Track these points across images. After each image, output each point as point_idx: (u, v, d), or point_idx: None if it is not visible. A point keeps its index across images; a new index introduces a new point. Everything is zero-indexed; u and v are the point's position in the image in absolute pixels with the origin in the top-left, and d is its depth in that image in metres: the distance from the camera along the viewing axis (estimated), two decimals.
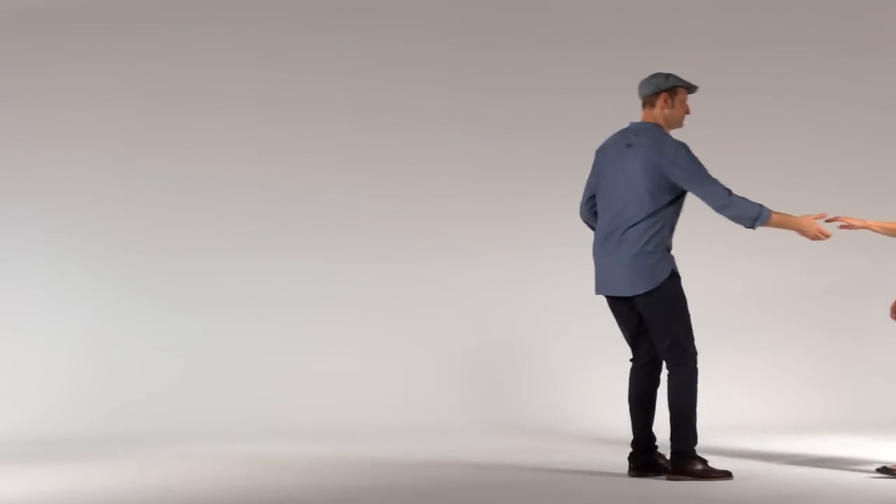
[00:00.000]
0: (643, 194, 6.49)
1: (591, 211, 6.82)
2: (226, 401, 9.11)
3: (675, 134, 6.67)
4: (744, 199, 6.47)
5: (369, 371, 9.31)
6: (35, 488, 6.50)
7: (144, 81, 9.46)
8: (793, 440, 7.89)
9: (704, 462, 6.51)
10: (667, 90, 6.62)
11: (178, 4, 9.55)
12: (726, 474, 6.49)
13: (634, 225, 6.50)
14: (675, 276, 6.54)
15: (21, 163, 9.36)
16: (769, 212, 6.48)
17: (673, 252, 6.61)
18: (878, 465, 6.61)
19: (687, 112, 6.69)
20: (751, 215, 6.46)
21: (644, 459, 6.68)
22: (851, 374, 9.18)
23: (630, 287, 6.53)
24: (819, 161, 9.45)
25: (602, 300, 6.82)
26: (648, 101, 6.65)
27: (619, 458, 6.94)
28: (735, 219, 6.51)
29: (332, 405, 9.14)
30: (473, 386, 9.24)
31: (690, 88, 6.68)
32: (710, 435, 7.36)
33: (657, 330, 6.54)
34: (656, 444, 6.71)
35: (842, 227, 6.61)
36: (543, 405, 9.11)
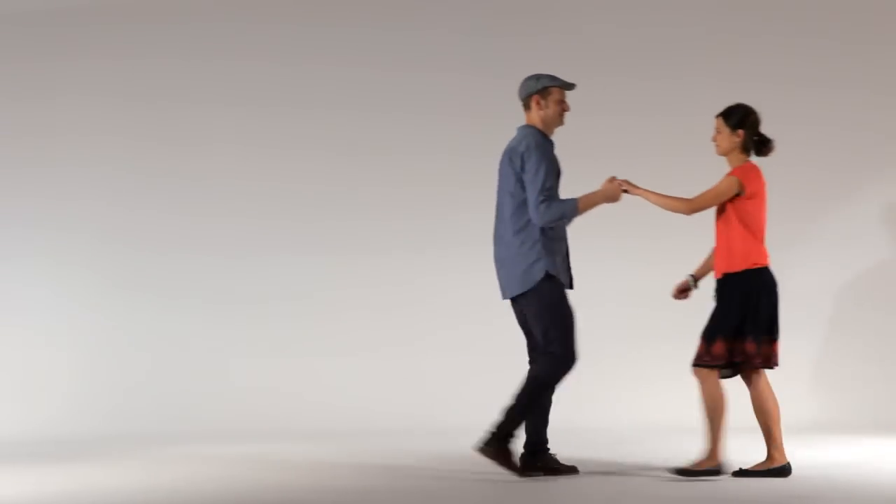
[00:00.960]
0: (507, 196, 6.59)
1: None
2: (228, 401, 9.14)
3: (559, 132, 6.67)
4: (555, 203, 6.46)
5: (372, 371, 9.33)
6: (42, 489, 6.54)
7: (146, 77, 9.50)
8: (793, 440, 7.89)
9: (511, 453, 6.50)
10: (538, 92, 6.64)
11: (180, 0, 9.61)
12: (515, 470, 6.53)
13: (507, 227, 6.58)
14: (549, 278, 6.53)
15: (22, 159, 9.40)
16: (575, 203, 6.50)
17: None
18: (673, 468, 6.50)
19: (565, 110, 6.69)
20: (561, 215, 6.49)
21: (532, 461, 6.68)
22: (852, 374, 9.18)
23: (509, 289, 6.61)
24: (813, 150, 9.41)
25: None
26: (525, 105, 6.70)
27: (617, 459, 6.96)
28: (551, 223, 6.50)
29: (334, 405, 9.16)
30: (480, 385, 9.24)
31: (565, 86, 6.68)
32: None
33: (535, 331, 6.58)
34: (548, 445, 6.72)
35: (623, 190, 6.59)
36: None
